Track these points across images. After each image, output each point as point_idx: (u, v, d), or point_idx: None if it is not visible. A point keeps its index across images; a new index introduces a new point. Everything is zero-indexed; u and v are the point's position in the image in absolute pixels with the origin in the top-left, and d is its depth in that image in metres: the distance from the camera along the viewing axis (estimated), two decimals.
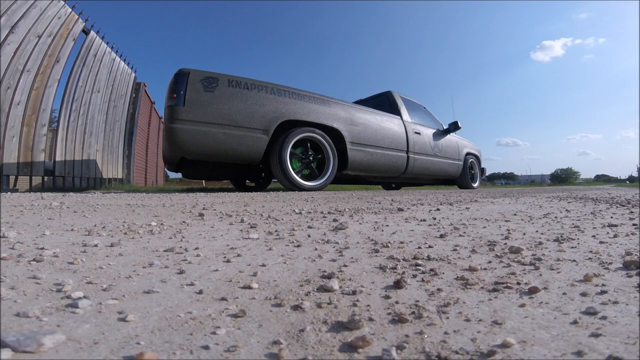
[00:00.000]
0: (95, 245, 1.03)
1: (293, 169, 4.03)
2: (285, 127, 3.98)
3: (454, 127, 6.31)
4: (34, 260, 0.83)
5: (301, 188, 4.08)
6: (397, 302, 0.58)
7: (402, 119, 5.41)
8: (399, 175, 5.43)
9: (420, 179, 6.18)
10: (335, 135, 4.37)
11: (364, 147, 4.60)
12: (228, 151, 3.61)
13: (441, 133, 6.21)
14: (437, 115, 6.85)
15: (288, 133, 3.93)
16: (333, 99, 4.51)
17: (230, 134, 3.57)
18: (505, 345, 0.42)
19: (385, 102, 5.63)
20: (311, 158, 4.26)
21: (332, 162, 4.30)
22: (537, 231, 1.36)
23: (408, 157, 5.28)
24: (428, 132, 5.86)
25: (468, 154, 6.83)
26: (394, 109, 5.50)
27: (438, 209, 2.32)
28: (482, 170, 7.46)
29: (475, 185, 7.09)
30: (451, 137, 6.43)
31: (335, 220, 1.71)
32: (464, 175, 6.69)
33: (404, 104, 5.73)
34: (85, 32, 6.90)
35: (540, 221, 1.68)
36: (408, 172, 5.42)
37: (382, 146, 4.84)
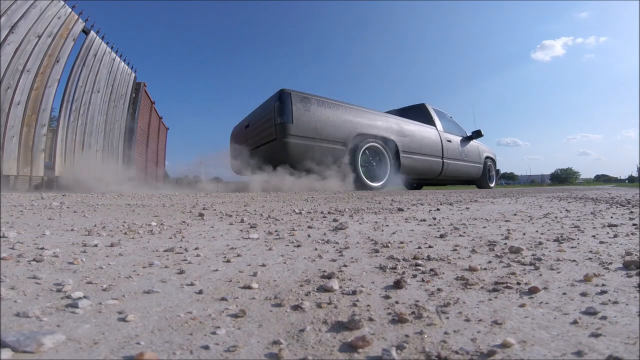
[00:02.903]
0: (95, 245, 1.03)
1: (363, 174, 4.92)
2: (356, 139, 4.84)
3: (476, 134, 7.28)
4: (34, 260, 0.83)
5: (369, 188, 4.91)
6: (397, 302, 0.58)
7: (436, 128, 6.35)
8: (434, 177, 6.36)
9: (449, 180, 7.11)
10: (390, 144, 5.30)
11: (412, 155, 5.56)
12: (321, 160, 4.43)
13: (465, 139, 7.12)
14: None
15: (358, 143, 4.79)
16: (388, 115, 5.51)
17: (321, 147, 4.38)
18: (505, 345, 0.42)
19: (420, 113, 6.48)
20: (374, 164, 5.21)
21: (390, 166, 5.25)
22: (537, 231, 1.36)
23: (443, 162, 6.25)
24: (456, 139, 6.80)
25: (487, 157, 7.75)
26: (428, 120, 6.40)
27: (438, 209, 2.32)
28: (497, 172, 8.49)
29: (492, 185, 7.99)
30: (473, 143, 7.32)
31: (335, 220, 1.71)
32: (484, 176, 7.63)
33: (437, 115, 6.63)
34: (85, 32, 6.90)
35: (540, 221, 1.68)
36: (442, 174, 6.37)
37: (424, 153, 5.81)
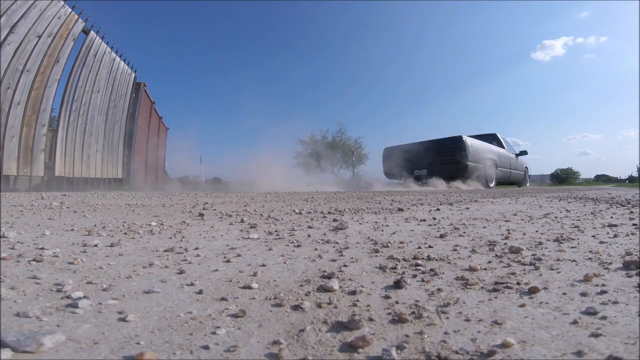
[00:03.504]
0: (95, 245, 1.03)
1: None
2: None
3: (523, 153, 11.66)
4: (34, 260, 0.83)
5: (489, 187, 8.93)
6: (397, 302, 0.58)
7: (506, 150, 10.50)
8: (505, 181, 10.56)
9: (506, 182, 11.12)
10: (494, 162, 9.49)
11: (501, 168, 9.89)
12: (475, 173, 8.58)
13: (517, 155, 11.28)
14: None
15: (486, 163, 8.96)
16: (491, 145, 9.74)
17: (477, 166, 8.56)
18: (505, 345, 0.42)
19: (493, 140, 10.51)
20: (489, 173, 9.25)
21: (495, 175, 9.47)
22: (537, 231, 1.36)
23: (510, 171, 10.57)
24: (513, 156, 10.97)
25: (525, 166, 12.11)
26: (500, 144, 10.45)
27: (438, 209, 2.32)
28: (529, 176, 13.09)
29: (528, 184, 12.60)
30: (519, 157, 11.57)
31: (335, 220, 1.71)
32: (524, 179, 12.03)
33: (503, 140, 10.77)
34: (85, 32, 6.90)
35: (540, 221, 1.68)
36: (509, 180, 10.79)
37: (504, 167, 10.10)
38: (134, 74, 9.51)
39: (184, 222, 1.59)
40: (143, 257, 0.90)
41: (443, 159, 8.62)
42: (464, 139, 8.29)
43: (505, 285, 0.66)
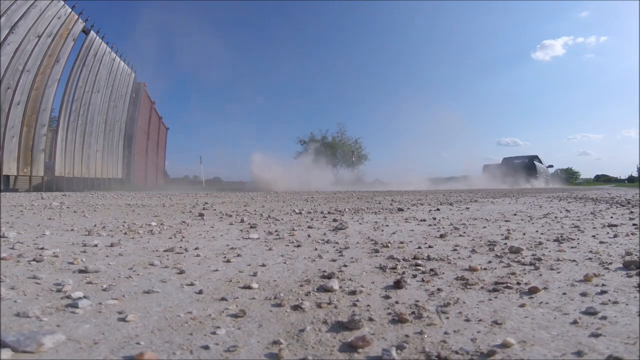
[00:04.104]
0: (95, 245, 1.03)
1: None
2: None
3: (550, 166, 24.38)
4: (34, 260, 0.83)
5: (542, 186, 19.41)
6: (397, 302, 0.58)
7: (543, 164, 22.42)
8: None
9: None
10: (541, 172, 21.65)
11: (543, 176, 22.18)
12: (540, 178, 21.42)
13: (547, 167, 23.04)
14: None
15: (541, 171, 22.03)
16: (540, 163, 21.88)
17: (538, 175, 20.98)
18: (505, 345, 0.42)
19: (536, 158, 21.55)
20: (540, 178, 20.84)
21: (543, 179, 21.75)
22: (537, 231, 1.36)
23: (545, 178, 22.28)
24: (546, 167, 22.99)
25: (550, 173, 23.07)
26: (540, 161, 21.85)
27: (438, 209, 2.32)
28: (549, 177, 23.86)
29: (551, 185, 22.05)
30: (548, 167, 23.03)
31: (335, 220, 1.71)
32: (550, 182, 21.88)
33: (541, 158, 22.26)
34: (85, 32, 6.90)
35: (540, 221, 1.68)
36: (546, 183, 20.90)
37: (544, 175, 22.46)
38: (134, 74, 9.51)
39: (184, 222, 1.60)
40: (143, 257, 0.90)
41: (526, 171, 17.70)
42: (535, 162, 17.76)
43: (505, 285, 0.66)
